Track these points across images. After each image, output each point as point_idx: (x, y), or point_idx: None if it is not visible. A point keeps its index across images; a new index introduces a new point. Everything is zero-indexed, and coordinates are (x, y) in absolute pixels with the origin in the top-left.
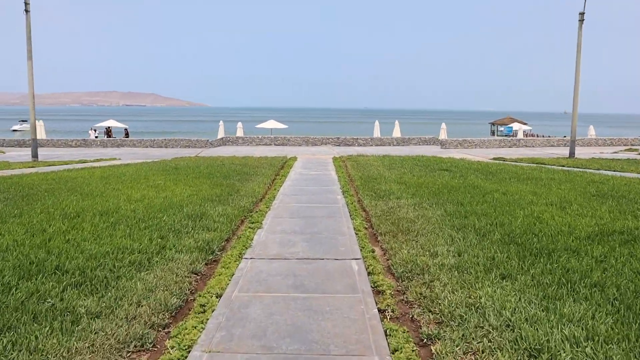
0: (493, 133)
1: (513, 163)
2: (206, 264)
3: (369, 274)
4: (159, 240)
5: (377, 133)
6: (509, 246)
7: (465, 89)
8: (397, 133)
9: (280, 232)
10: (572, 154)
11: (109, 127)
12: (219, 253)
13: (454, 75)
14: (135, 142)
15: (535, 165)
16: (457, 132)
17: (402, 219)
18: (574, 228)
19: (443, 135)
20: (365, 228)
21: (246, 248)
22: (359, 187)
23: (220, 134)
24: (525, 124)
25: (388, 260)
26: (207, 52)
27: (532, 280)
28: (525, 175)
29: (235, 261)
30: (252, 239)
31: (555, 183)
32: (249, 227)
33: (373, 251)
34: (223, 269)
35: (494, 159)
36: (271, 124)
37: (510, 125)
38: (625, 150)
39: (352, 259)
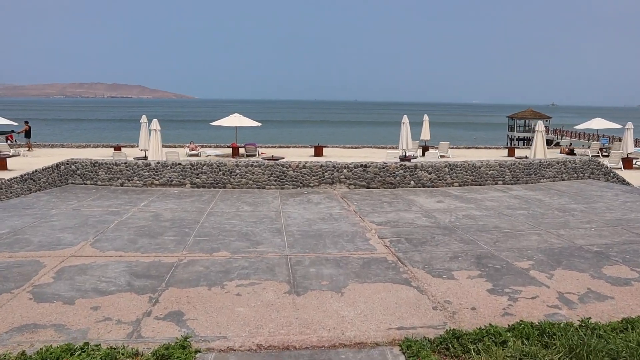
0: (511, 128)
1: None
2: None
3: None
4: None
5: (405, 140)
6: None
7: (450, 80)
8: (426, 136)
9: None
10: None
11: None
12: None
13: (437, 67)
14: None
15: None
16: (471, 130)
17: None
18: None
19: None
20: None
21: None
22: None
23: (142, 142)
24: (549, 118)
25: None
26: (197, 43)
27: None
28: None
29: None
30: None
31: None
32: None
33: None
34: None
35: None
36: (235, 120)
37: None
38: None
39: None
